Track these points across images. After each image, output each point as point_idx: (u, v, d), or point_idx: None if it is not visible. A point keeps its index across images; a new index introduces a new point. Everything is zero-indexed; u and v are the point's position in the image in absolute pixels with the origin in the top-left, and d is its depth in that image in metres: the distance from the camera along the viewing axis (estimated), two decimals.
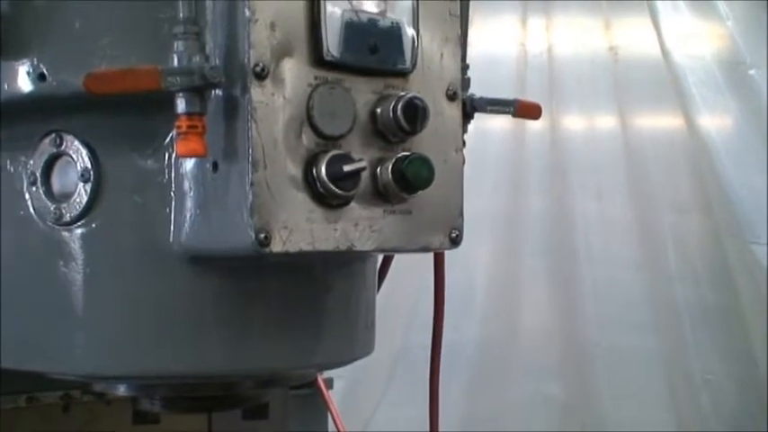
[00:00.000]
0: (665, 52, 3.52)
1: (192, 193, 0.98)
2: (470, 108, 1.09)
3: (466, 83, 1.09)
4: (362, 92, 0.96)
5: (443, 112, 1.01)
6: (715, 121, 3.51)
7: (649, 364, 3.55)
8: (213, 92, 0.91)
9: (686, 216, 3.57)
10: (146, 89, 0.87)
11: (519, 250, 3.53)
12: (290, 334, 1.05)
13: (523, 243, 3.52)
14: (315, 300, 1.07)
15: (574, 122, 3.61)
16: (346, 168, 0.91)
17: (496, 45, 3.57)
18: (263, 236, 0.89)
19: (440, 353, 1.33)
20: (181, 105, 0.89)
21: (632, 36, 3.67)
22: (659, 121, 3.67)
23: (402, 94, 0.96)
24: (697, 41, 3.53)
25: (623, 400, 3.52)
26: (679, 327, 3.53)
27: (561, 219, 3.58)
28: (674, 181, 3.57)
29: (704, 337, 3.52)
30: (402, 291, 3.04)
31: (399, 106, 0.95)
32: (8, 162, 1.08)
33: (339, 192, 0.91)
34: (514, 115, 1.12)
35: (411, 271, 2.76)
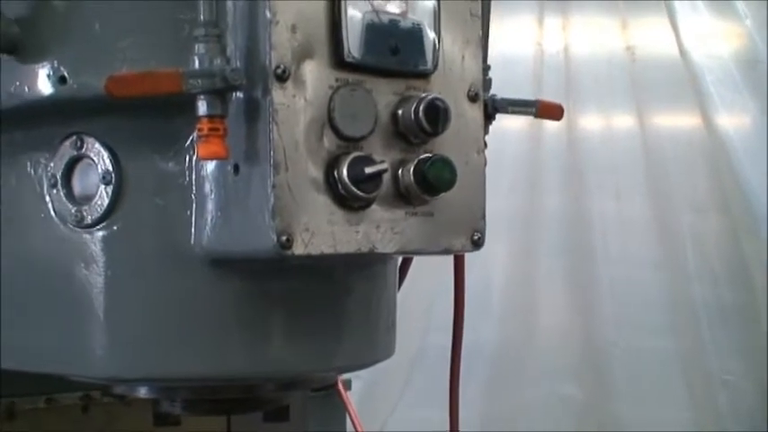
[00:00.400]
0: (682, 52, 3.51)
1: (212, 196, 0.98)
2: (492, 109, 1.09)
3: (487, 84, 1.08)
4: (384, 93, 0.95)
5: (465, 114, 1.01)
6: (733, 120, 3.49)
7: (667, 364, 3.53)
8: (234, 94, 0.91)
9: (704, 215, 3.55)
10: (167, 92, 0.87)
11: (536, 250, 3.52)
12: (311, 336, 1.05)
13: (541, 243, 3.51)
14: (336, 302, 1.07)
15: (591, 122, 3.60)
16: (368, 170, 0.90)
17: (513, 45, 3.56)
18: (284, 238, 0.89)
19: (460, 355, 1.33)
20: (202, 108, 0.89)
21: (649, 36, 3.65)
22: (677, 121, 3.65)
23: (423, 95, 0.96)
24: (715, 40, 3.51)
25: (641, 400, 3.50)
26: (697, 326, 3.51)
27: (578, 219, 3.56)
28: (691, 180, 3.55)
29: (722, 337, 3.50)
30: (418, 292, 3.04)
31: (421, 108, 0.94)
32: (28, 164, 1.08)
33: (361, 194, 0.91)
34: (536, 116, 1.12)
35: (427, 272, 2.76)
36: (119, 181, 1.01)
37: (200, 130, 0.89)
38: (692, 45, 3.51)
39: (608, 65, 3.62)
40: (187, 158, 1.00)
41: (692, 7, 3.57)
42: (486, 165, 1.03)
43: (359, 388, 2.82)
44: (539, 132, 3.54)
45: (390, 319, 1.16)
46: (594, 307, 3.55)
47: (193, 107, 0.90)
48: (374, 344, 1.13)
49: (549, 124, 3.32)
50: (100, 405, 1.72)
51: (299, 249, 0.89)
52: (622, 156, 3.58)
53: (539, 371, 3.54)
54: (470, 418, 3.22)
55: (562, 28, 3.67)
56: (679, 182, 3.54)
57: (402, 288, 1.27)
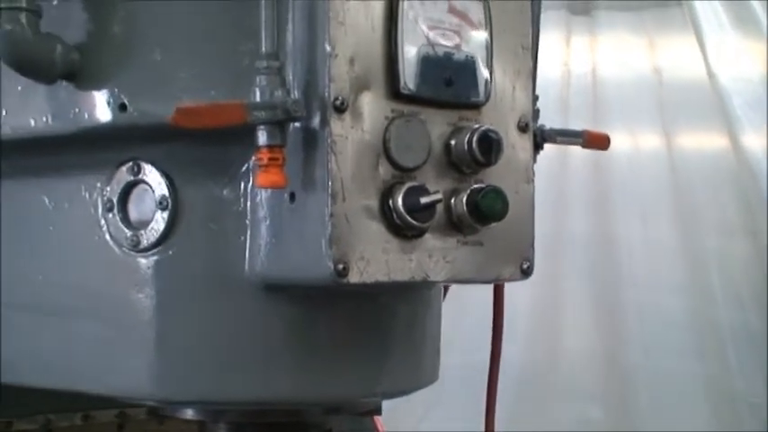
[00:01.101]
0: (710, 74, 3.51)
1: (267, 222, 0.99)
2: (540, 139, 1.10)
3: (535, 114, 1.10)
4: (437, 124, 0.97)
5: (515, 144, 1.02)
6: (761, 143, 3.49)
7: (693, 387, 3.52)
8: (292, 124, 0.93)
9: (730, 238, 3.55)
10: (231, 123, 0.89)
11: (562, 273, 3.52)
12: (358, 361, 1.06)
13: (566, 265, 3.51)
14: (382, 327, 1.08)
15: (618, 144, 3.60)
16: (423, 200, 0.92)
17: (541, 64, 3.56)
18: (341, 267, 0.90)
19: (497, 381, 1.34)
20: (262, 138, 0.91)
21: (676, 56, 3.65)
22: (704, 143, 3.65)
23: (476, 126, 0.97)
24: (743, 61, 3.51)
25: (666, 423, 3.49)
26: (723, 350, 3.50)
27: (605, 241, 3.57)
28: (718, 203, 3.55)
29: (748, 360, 3.48)
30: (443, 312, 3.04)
31: (474, 138, 0.96)
32: (82, 188, 1.10)
33: (416, 223, 0.92)
34: (584, 146, 1.13)
35: (451, 293, 2.76)
36: (174, 206, 1.03)
37: (259, 159, 0.91)
38: (720, 67, 3.51)
39: (635, 87, 3.63)
40: (242, 185, 1.02)
41: (719, 26, 3.57)
42: (534, 194, 1.05)
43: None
44: (565, 155, 3.55)
45: (435, 345, 1.17)
46: (620, 330, 3.55)
47: (249, 135, 0.92)
48: (419, 369, 1.14)
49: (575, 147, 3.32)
50: (135, 422, 1.74)
51: (354, 277, 0.91)
52: (649, 178, 3.58)
53: (564, 393, 3.54)
54: None
55: (590, 48, 3.69)
56: (706, 205, 3.54)
57: None
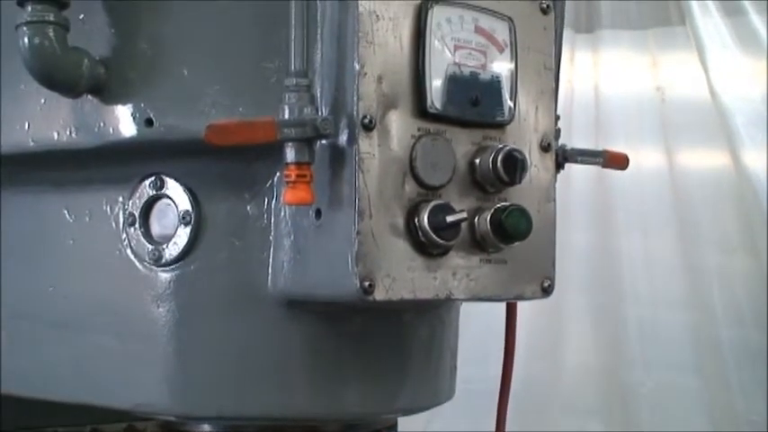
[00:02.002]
0: (712, 93, 3.52)
1: (291, 239, 1.00)
2: (562, 159, 1.11)
3: (557, 133, 1.11)
4: (462, 143, 0.98)
5: (538, 164, 1.03)
6: (762, 161, 3.50)
7: (693, 403, 3.52)
8: (319, 141, 0.94)
9: (732, 255, 3.55)
10: (262, 141, 0.90)
11: (563, 287, 3.52)
12: (377, 378, 1.07)
13: (567, 280, 3.52)
14: (401, 344, 1.09)
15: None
16: (449, 219, 0.93)
17: None
18: (367, 284, 0.91)
19: (507, 402, 1.34)
20: (291, 155, 0.91)
21: (679, 75, 3.67)
22: (706, 161, 3.66)
23: (500, 145, 0.98)
24: (745, 80, 3.53)
25: None
26: (723, 367, 3.51)
27: (606, 256, 3.57)
28: (720, 220, 3.56)
29: (748, 378, 3.49)
30: None
31: (499, 158, 0.97)
32: (104, 201, 1.11)
33: (441, 241, 0.93)
34: (604, 166, 1.14)
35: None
36: (197, 221, 1.04)
37: (287, 176, 0.92)
38: (722, 85, 3.52)
39: (638, 104, 3.64)
40: (266, 201, 1.03)
41: (721, 45, 3.59)
42: (555, 213, 1.05)
43: None
44: (567, 170, 3.54)
45: (453, 361, 1.17)
46: (621, 345, 3.55)
47: (273, 151, 0.93)
48: (437, 386, 1.15)
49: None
50: None
51: (380, 295, 0.91)
52: (651, 195, 3.59)
53: (564, 408, 3.54)
54: None
55: (593, 65, 3.70)
56: (707, 221, 3.55)
57: None
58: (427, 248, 0.94)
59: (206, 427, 1.13)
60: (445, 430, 3.36)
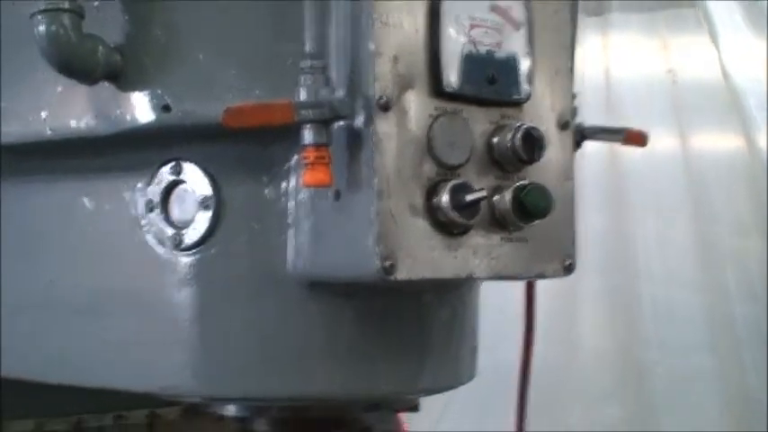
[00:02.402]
0: (724, 74, 3.51)
1: (310, 221, 1.00)
2: (580, 137, 1.11)
3: (574, 111, 1.10)
4: (479, 122, 0.98)
5: (555, 142, 1.03)
6: None
7: (707, 383, 3.52)
8: (336, 123, 0.94)
9: (745, 236, 3.55)
10: (280, 123, 0.90)
11: (578, 269, 3.51)
12: (399, 358, 1.07)
13: (582, 262, 3.50)
14: (423, 324, 1.09)
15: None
16: (468, 197, 0.93)
17: None
18: (388, 264, 0.91)
19: (527, 385, 1.34)
20: (308, 137, 0.91)
21: (690, 57, 3.66)
22: (719, 143, 3.65)
23: (518, 124, 0.98)
24: (757, 61, 3.51)
25: (681, 419, 3.49)
26: (737, 347, 3.51)
27: (620, 238, 3.57)
28: (733, 202, 3.55)
29: (762, 357, 3.48)
30: None
31: (517, 136, 0.97)
32: (124, 188, 1.11)
33: (461, 220, 0.93)
34: (623, 143, 1.14)
35: None
36: (216, 205, 1.04)
37: (305, 158, 0.92)
38: (734, 67, 3.51)
39: (649, 87, 3.63)
40: (284, 184, 1.03)
41: (733, 26, 3.57)
42: (574, 191, 1.05)
43: None
44: (580, 152, 3.53)
45: (473, 342, 1.17)
46: (636, 326, 3.55)
47: (291, 134, 0.93)
48: (458, 367, 1.15)
49: (591, 145, 3.32)
50: (165, 422, 1.75)
51: (401, 274, 0.91)
52: (665, 177, 3.58)
53: (580, 390, 3.54)
54: None
55: (603, 48, 3.69)
56: (721, 203, 3.54)
57: None
58: (447, 228, 0.94)
59: (231, 408, 1.14)
60: (454, 430, 3.38)
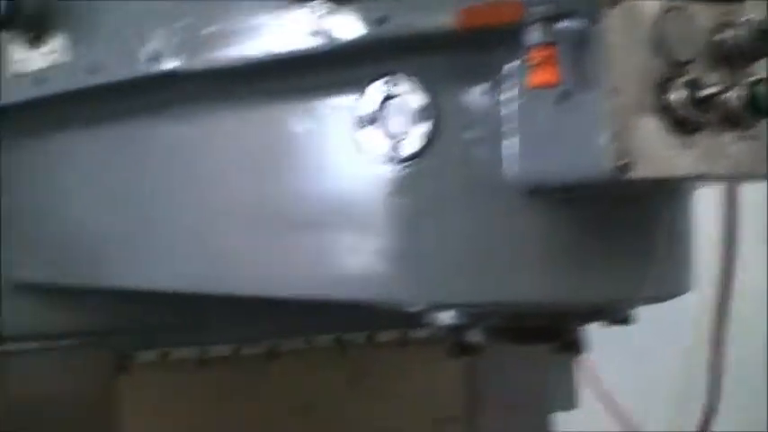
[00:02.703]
0: None
1: (530, 126, 0.99)
2: None
3: None
4: (707, 18, 0.95)
5: None
6: None
7: None
8: (562, 21, 0.92)
9: None
10: (508, 21, 0.89)
11: None
12: (620, 265, 1.06)
13: None
14: (644, 230, 1.07)
15: None
16: (704, 92, 0.90)
17: None
18: (622, 163, 0.89)
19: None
20: (536, 36, 0.91)
21: None
22: None
23: (745, 18, 0.94)
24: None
25: None
26: None
27: None
28: None
29: None
30: None
31: (749, 31, 0.93)
32: (336, 105, 1.12)
33: (696, 117, 0.91)
34: None
35: None
36: (434, 116, 1.04)
37: (531, 59, 0.91)
38: None
39: None
40: (499, 90, 1.02)
41: None
42: None
43: None
44: None
45: (690, 253, 1.15)
46: None
47: (509, 38, 0.92)
48: (678, 275, 1.13)
49: None
50: (354, 347, 1.79)
51: (637, 173, 0.90)
52: None
53: None
54: None
55: None
56: None
57: None
58: (680, 126, 0.92)
59: (446, 316, 1.14)
60: None
